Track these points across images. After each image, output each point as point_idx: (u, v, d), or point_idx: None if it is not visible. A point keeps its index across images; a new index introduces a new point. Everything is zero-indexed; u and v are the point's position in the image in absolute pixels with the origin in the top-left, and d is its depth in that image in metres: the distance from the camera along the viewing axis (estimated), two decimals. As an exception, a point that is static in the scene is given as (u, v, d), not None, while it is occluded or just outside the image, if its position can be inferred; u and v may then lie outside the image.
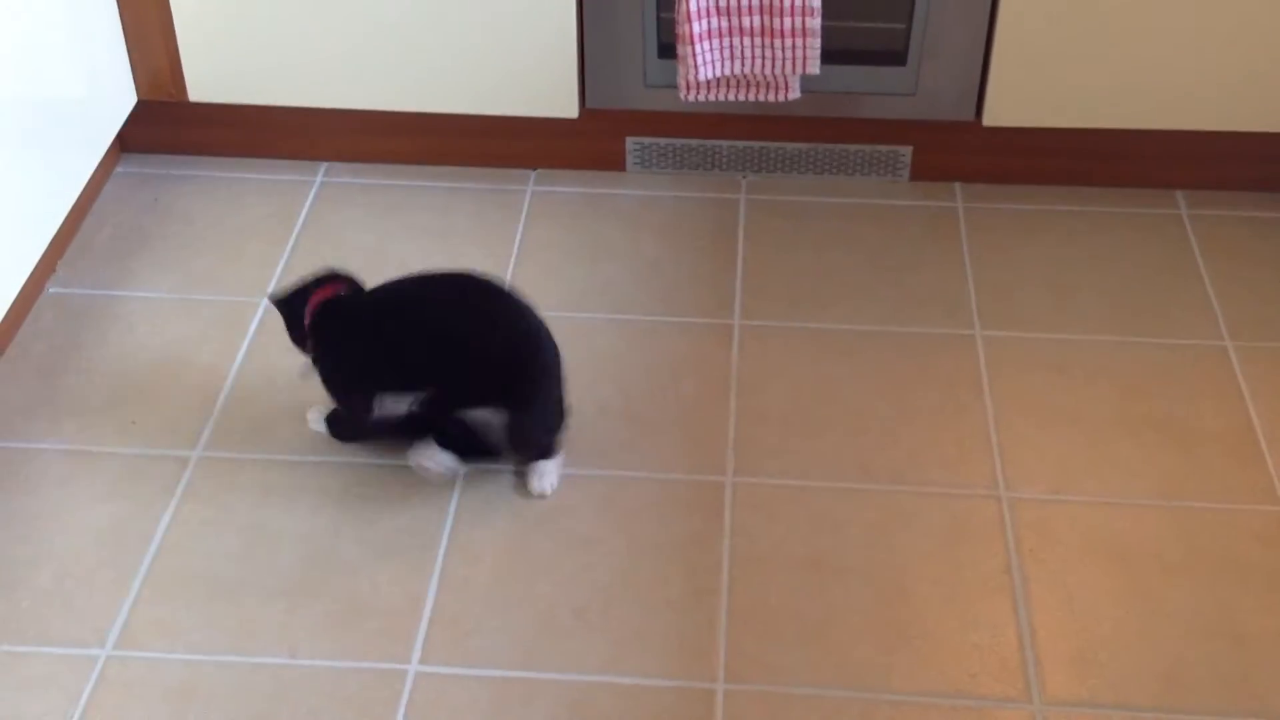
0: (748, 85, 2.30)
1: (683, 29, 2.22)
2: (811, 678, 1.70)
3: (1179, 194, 2.46)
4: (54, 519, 1.87)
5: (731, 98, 2.32)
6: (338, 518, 1.89)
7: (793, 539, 1.88)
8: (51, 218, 2.21)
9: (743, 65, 2.26)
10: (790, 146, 2.48)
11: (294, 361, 1.95)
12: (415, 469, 1.92)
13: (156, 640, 1.72)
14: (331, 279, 1.93)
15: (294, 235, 2.37)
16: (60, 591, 1.78)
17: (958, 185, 2.49)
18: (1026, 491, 1.94)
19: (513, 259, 2.33)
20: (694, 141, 2.49)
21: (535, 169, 2.51)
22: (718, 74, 2.27)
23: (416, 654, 1.72)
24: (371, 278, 2.27)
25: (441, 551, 1.85)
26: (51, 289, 2.24)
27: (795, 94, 2.31)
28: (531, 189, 2.48)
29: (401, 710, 1.66)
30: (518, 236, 2.38)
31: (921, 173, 2.49)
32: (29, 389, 2.07)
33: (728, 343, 2.18)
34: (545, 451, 1.93)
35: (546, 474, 1.92)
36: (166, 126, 2.49)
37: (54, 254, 2.27)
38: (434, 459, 1.91)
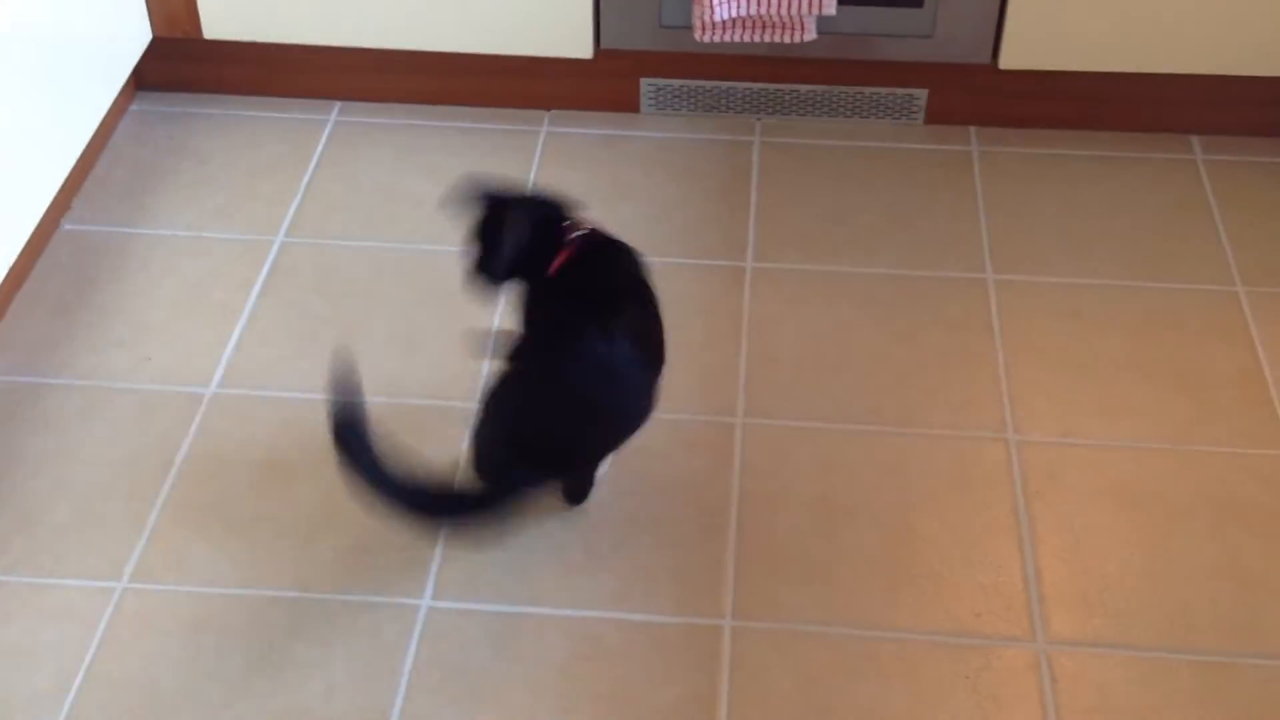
0: (763, 26, 2.29)
1: (698, -31, 2.21)
2: (818, 615, 1.72)
3: (1194, 139, 2.45)
4: (71, 454, 1.89)
5: (747, 39, 2.31)
6: (351, 454, 1.91)
7: (801, 479, 1.89)
8: (66, 154, 2.22)
9: (758, 6, 2.25)
10: (805, 89, 2.47)
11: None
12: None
13: (172, 573, 1.74)
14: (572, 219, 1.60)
15: (308, 174, 2.37)
16: (77, 525, 1.81)
17: (973, 129, 2.48)
18: (1035, 435, 1.95)
19: (526, 200, 2.33)
20: (709, 83, 2.48)
21: (549, 110, 2.51)
22: (733, 14, 2.26)
23: (429, 590, 1.74)
24: (384, 217, 2.29)
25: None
26: (66, 225, 2.26)
27: (811, 35, 2.30)
28: (546, 130, 2.48)
29: (413, 644, 1.68)
30: (531, 178, 2.38)
31: (937, 116, 2.48)
32: (45, 325, 2.08)
33: (740, 285, 2.19)
34: None
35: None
36: (181, 64, 2.49)
37: (69, 191, 2.28)
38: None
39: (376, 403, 1.97)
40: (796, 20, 2.27)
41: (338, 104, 2.51)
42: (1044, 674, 1.66)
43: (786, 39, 2.30)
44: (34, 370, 2.01)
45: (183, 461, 1.89)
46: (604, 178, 2.38)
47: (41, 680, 1.63)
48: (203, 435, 1.93)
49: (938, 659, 1.68)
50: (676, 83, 2.48)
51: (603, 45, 2.41)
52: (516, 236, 1.58)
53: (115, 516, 1.81)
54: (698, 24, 2.27)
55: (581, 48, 2.39)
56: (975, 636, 1.70)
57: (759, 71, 2.46)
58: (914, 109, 2.48)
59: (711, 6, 2.23)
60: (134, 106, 2.50)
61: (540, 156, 2.42)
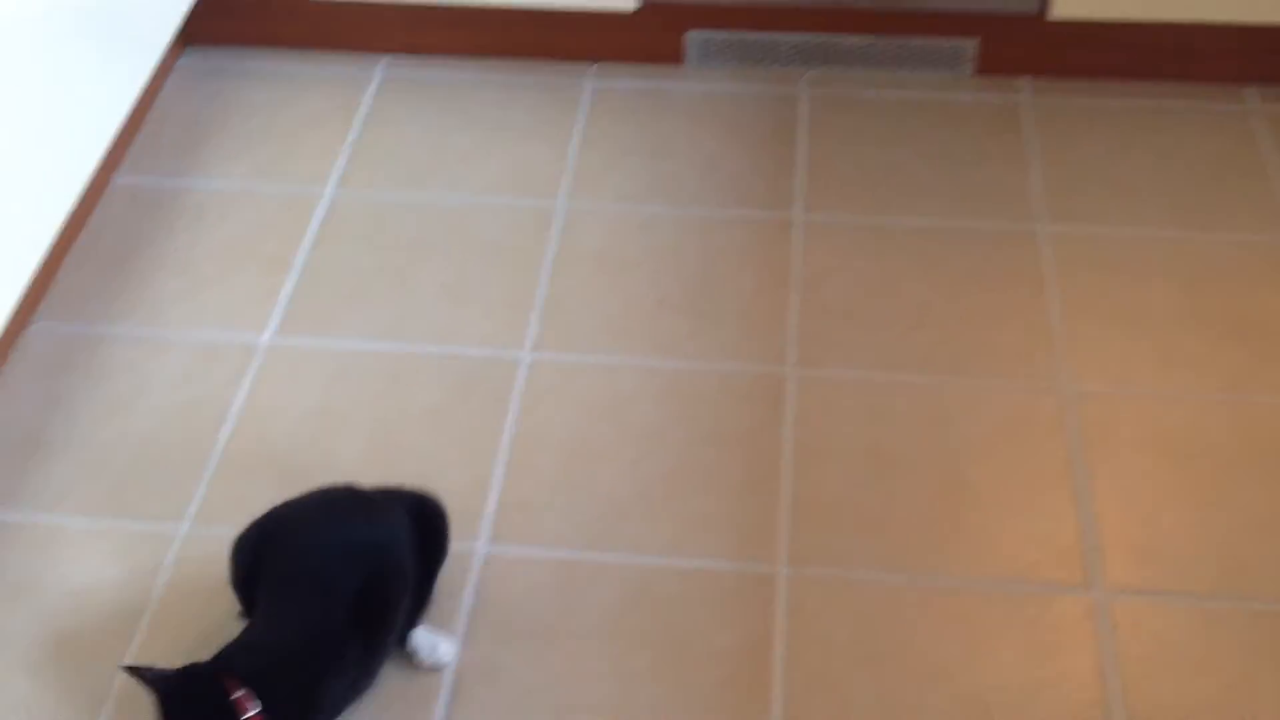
0: (811, -23, 2.28)
1: (747, -82, 2.19)
2: (873, 563, 1.73)
3: (1247, 90, 2.42)
4: (129, 403, 1.91)
5: (795, -11, 2.29)
6: (406, 405, 1.92)
7: (853, 430, 1.89)
8: (118, 109, 2.23)
9: (807, -44, 2.24)
10: (853, 40, 2.46)
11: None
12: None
13: (230, 517, 1.76)
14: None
15: (355, 128, 2.37)
16: (138, 472, 1.83)
17: (1023, 80, 2.46)
18: (1088, 386, 1.94)
19: (572, 153, 2.33)
20: (754, 35, 2.46)
21: (594, 63, 2.50)
22: (782, -35, 2.25)
23: (485, 534, 1.76)
24: (430, 170, 2.29)
25: (507, 438, 1.87)
26: (119, 179, 2.27)
27: (860, -15, 2.28)
28: (591, 83, 2.47)
29: (470, 588, 1.69)
30: (577, 131, 2.38)
31: (986, 67, 2.46)
32: (101, 277, 2.10)
33: (788, 237, 2.18)
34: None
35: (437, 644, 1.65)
36: (229, 19, 2.50)
37: (121, 145, 2.29)
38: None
39: (427, 352, 1.99)
40: (846, -30, 2.26)
41: (384, 58, 2.51)
42: (1102, 622, 1.67)
43: (835, -11, 2.28)
44: (91, 321, 2.03)
45: (238, 410, 1.91)
46: (649, 131, 2.38)
47: (105, 621, 1.65)
48: (257, 384, 1.94)
49: (993, 606, 1.68)
50: (722, 35, 2.47)
51: (649, -3, 2.40)
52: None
53: (174, 463, 1.83)
54: (746, -26, 2.26)
55: (625, 0, 2.38)
56: (1031, 584, 1.71)
57: (805, 22, 2.45)
58: (963, 60, 2.46)
59: (760, -44, 2.22)
60: (183, 62, 2.51)
61: (586, 110, 2.42)
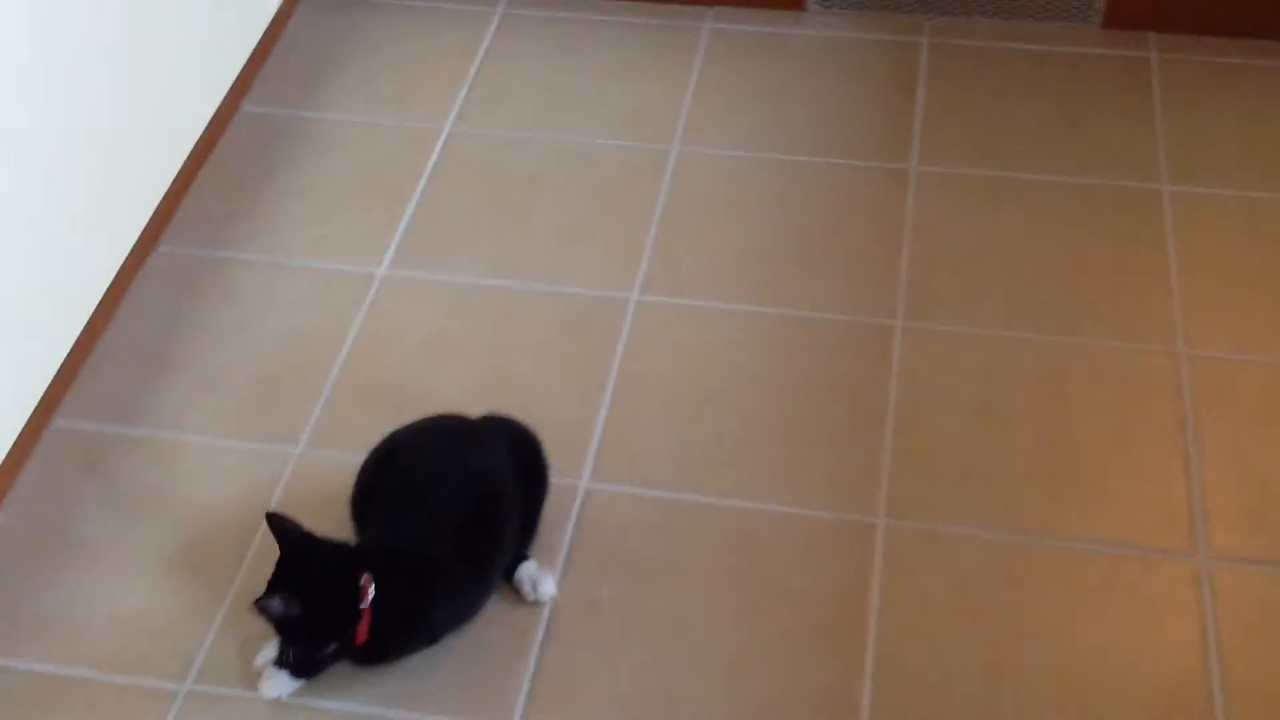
0: (940, -77, 2.24)
1: None
2: (974, 519, 1.73)
3: (1390, 52, 2.34)
4: (250, 326, 1.97)
5: (922, -64, 2.26)
6: (516, 340, 1.95)
7: (961, 384, 1.88)
8: (246, 40, 2.28)
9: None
10: (979, -10, 2.42)
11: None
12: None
13: (342, 441, 1.81)
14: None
15: (475, 65, 2.40)
16: (257, 392, 1.88)
17: (1152, 35, 2.40)
18: (1206, 350, 1.91)
19: (688, 96, 2.33)
20: (879, -18, 2.44)
21: (713, 5, 2.49)
22: (910, -90, 2.21)
23: (588, 470, 1.78)
24: (548, 109, 2.31)
25: (613, 377, 1.90)
26: (247, 108, 2.32)
27: (989, -66, 2.24)
28: (709, 26, 2.46)
29: (571, 525, 1.72)
30: (694, 74, 2.37)
31: (1115, 20, 2.41)
32: (226, 202, 2.15)
33: (903, 188, 2.17)
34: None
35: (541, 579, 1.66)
36: (355, -48, 2.52)
37: (249, 75, 2.34)
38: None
39: (538, 289, 2.02)
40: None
41: (506, -5, 2.53)
42: (1204, 588, 1.65)
43: (964, -63, 2.24)
44: (216, 245, 2.09)
45: (354, 337, 1.95)
46: (766, 76, 2.37)
47: (220, 536, 1.71)
48: (373, 314, 1.99)
49: (1095, 568, 1.67)
50: (846, -19, 2.44)
51: (773, -60, 2.38)
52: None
53: (291, 386, 1.89)
54: (873, -80, 2.23)
55: (752, -57, 2.37)
56: (1135, 548, 1.69)
57: (932, -29, 2.41)
58: (1091, 12, 2.41)
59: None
60: (309, -7, 2.55)
61: (703, 53, 2.41)
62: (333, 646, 1.52)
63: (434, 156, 2.23)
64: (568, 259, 2.06)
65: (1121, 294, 1.99)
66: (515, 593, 1.65)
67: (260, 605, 1.46)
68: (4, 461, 1.73)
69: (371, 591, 1.49)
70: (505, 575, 1.65)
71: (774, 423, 1.84)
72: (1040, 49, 2.40)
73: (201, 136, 2.16)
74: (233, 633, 1.61)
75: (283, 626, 1.50)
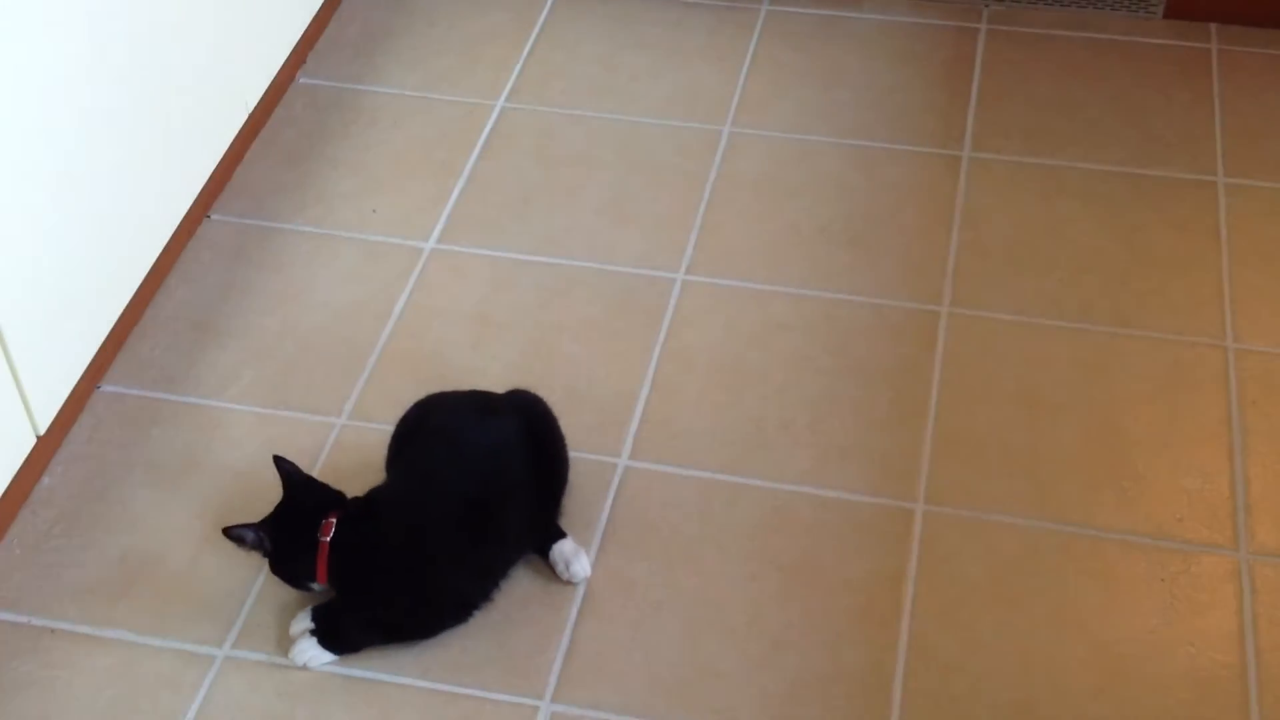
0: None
1: None
2: (1013, 507, 1.71)
3: None
4: (298, 296, 1.99)
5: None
6: (561, 317, 1.96)
7: (1005, 372, 1.87)
8: (304, 13, 2.30)
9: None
10: (1038, -25, 2.39)
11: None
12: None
13: (387, 413, 1.82)
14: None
15: (530, 42, 2.40)
16: (302, 363, 1.90)
17: (1214, 26, 2.37)
18: (1256, 344, 1.88)
19: (742, 77, 2.32)
20: (937, -34, 2.42)
21: (771, -12, 2.49)
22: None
23: (626, 449, 1.79)
24: (601, 87, 2.31)
25: (656, 356, 1.90)
26: (302, 79, 2.34)
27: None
28: (766, 7, 2.46)
29: (609, 501, 1.73)
30: (749, 55, 2.37)
31: (1176, 10, 2.37)
32: (279, 172, 2.18)
33: (955, 174, 2.15)
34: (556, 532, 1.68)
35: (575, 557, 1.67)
36: (413, -72, 2.54)
37: (305, 45, 2.36)
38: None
39: (584, 267, 2.02)
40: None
41: (562, -27, 2.53)
42: (1244, 583, 1.63)
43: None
44: (267, 214, 2.11)
45: (400, 311, 1.97)
46: (821, 59, 2.36)
47: (262, 504, 1.73)
48: (420, 287, 2.00)
49: (1134, 560, 1.66)
50: (904, -35, 2.43)
51: (831, -78, 2.36)
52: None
53: (336, 357, 1.91)
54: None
55: (809, -76, 2.35)
56: (1175, 540, 1.67)
57: (991, -44, 2.39)
58: (1153, 2, 2.37)
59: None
60: (367, -32, 2.57)
61: (759, 34, 2.40)
62: (311, 585, 1.59)
63: (485, 132, 2.24)
64: (615, 237, 2.06)
65: (1172, 286, 1.97)
66: (551, 569, 1.66)
67: (231, 533, 1.56)
68: (51, 425, 1.76)
69: (332, 531, 1.55)
70: (541, 552, 1.66)
71: (816, 405, 1.83)
72: (1100, 38, 2.37)
73: (257, 107, 2.19)
74: (271, 600, 1.63)
75: (272, 562, 1.59)
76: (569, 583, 1.65)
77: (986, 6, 2.43)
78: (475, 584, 1.61)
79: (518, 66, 2.36)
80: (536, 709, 1.54)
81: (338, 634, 1.58)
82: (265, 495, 1.65)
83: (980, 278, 1.99)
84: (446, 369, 1.88)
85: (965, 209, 2.09)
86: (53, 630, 1.62)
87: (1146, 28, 2.38)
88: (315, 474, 1.74)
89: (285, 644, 1.59)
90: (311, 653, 1.58)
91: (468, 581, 1.60)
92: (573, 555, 1.65)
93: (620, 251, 2.04)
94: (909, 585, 1.64)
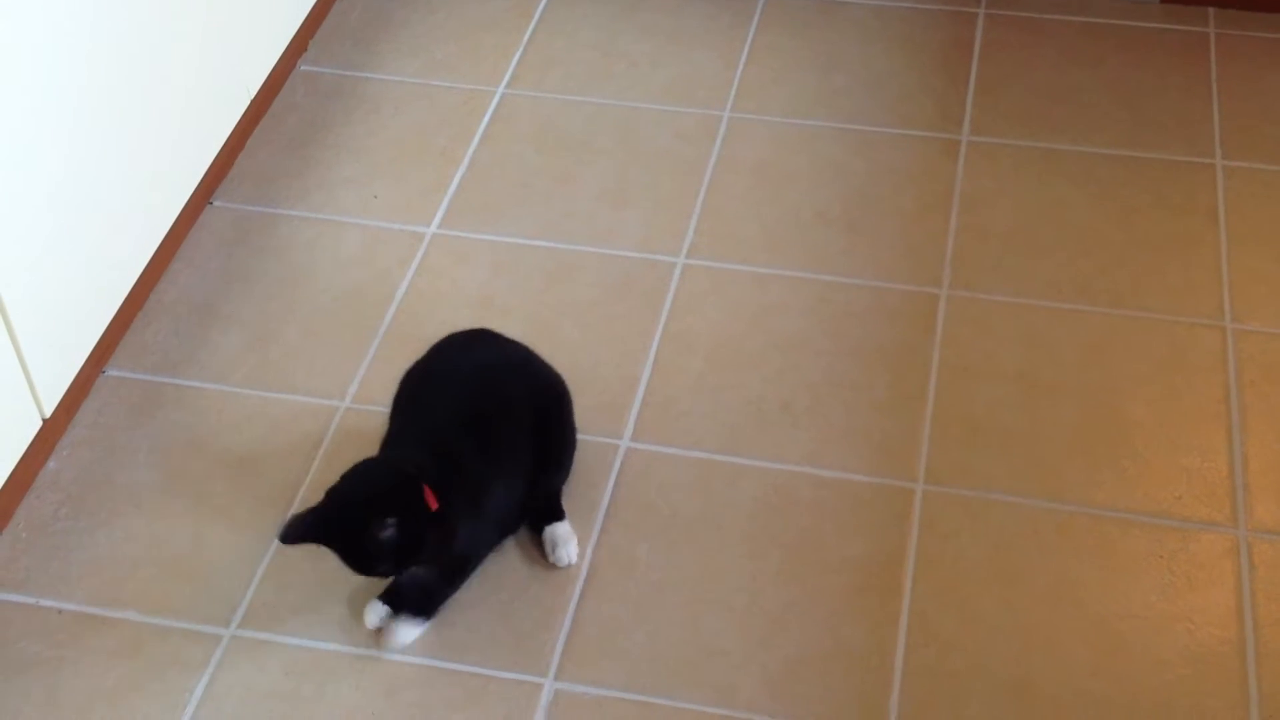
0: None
1: None
2: (1013, 486, 1.73)
3: None
4: (300, 281, 2.00)
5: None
6: (562, 301, 1.97)
7: (1004, 353, 1.88)
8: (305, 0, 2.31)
9: None
10: (1036, -40, 2.40)
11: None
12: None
13: (389, 396, 1.83)
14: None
15: (530, 29, 2.41)
16: (305, 347, 1.91)
17: (1211, 10, 2.38)
18: (1254, 324, 1.89)
19: (741, 63, 2.33)
20: (935, -49, 2.42)
21: (770, -26, 2.49)
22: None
23: (628, 431, 1.80)
24: (601, 73, 2.32)
25: (657, 339, 1.91)
26: (303, 66, 2.35)
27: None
28: (764, -6, 2.46)
29: (611, 481, 1.74)
30: (748, 40, 2.38)
31: (1174, -6, 2.38)
32: (281, 159, 2.18)
33: (954, 158, 2.16)
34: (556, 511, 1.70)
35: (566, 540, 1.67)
36: (413, -85, 2.54)
37: (306, 33, 2.36)
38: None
39: (585, 251, 2.03)
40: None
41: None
42: (1243, 560, 1.64)
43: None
44: (269, 201, 2.12)
45: (402, 295, 1.98)
46: (820, 44, 2.36)
47: (266, 488, 1.74)
48: (422, 272, 2.01)
49: (1133, 537, 1.67)
50: (902, -50, 2.43)
51: (830, -92, 2.37)
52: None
53: (339, 342, 1.92)
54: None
55: (808, -90, 2.36)
56: (1174, 519, 1.69)
57: (989, -59, 2.39)
58: (1151, -15, 2.38)
59: None
60: (367, -44, 2.57)
61: (758, 19, 2.41)
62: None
63: (486, 119, 2.25)
64: (616, 222, 2.07)
65: (1170, 267, 1.98)
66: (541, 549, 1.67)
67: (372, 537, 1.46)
68: (56, 409, 1.77)
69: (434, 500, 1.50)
70: (535, 528, 1.67)
71: (816, 387, 1.85)
72: (1098, 22, 2.38)
73: (258, 94, 2.20)
74: (277, 580, 1.65)
75: (410, 556, 1.50)
76: (554, 565, 1.65)
77: (985, -9, 2.44)
78: (515, 492, 1.62)
79: (518, 53, 2.37)
80: (540, 686, 1.55)
81: (430, 595, 1.58)
82: (269, 477, 1.66)
83: (979, 260, 2.00)
84: (449, 352, 1.89)
85: (964, 193, 2.10)
86: (60, 611, 1.63)
87: (1144, 12, 2.39)
88: (320, 458, 1.76)
89: (292, 624, 1.60)
90: (409, 631, 1.58)
91: (507, 491, 1.61)
92: (563, 540, 1.66)
93: (621, 236, 2.05)
94: (909, 564, 1.65)
